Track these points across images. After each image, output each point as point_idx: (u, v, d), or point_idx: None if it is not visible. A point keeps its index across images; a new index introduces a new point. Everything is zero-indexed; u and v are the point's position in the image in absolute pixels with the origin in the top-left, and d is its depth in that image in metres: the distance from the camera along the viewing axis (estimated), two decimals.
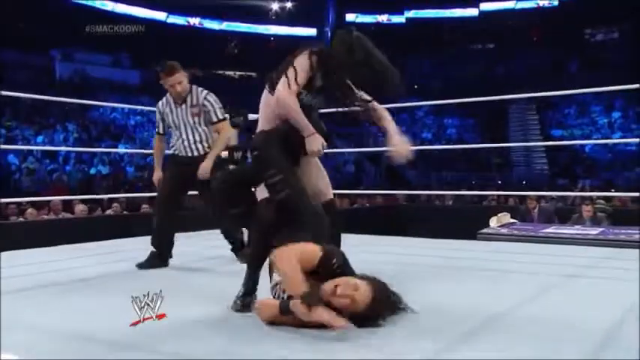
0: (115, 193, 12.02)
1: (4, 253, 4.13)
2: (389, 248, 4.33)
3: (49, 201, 8.64)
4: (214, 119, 3.88)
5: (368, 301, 2.09)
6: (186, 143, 3.86)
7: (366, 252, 3.82)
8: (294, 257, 2.14)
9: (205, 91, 3.90)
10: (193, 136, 3.86)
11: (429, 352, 1.92)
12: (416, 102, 11.91)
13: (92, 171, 17.03)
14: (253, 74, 28.72)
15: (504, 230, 5.85)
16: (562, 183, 18.96)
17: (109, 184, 15.74)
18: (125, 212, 8.96)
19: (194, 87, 3.88)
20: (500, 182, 20.40)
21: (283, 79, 2.64)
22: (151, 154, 4.36)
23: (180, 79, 3.78)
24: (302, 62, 2.66)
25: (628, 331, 2.18)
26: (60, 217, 8.01)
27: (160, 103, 3.95)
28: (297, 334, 2.07)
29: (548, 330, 2.18)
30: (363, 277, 2.17)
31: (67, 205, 8.77)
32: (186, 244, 4.50)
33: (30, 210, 8.27)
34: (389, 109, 2.89)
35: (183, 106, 3.84)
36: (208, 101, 3.86)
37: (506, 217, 6.52)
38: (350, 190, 11.86)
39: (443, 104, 12.46)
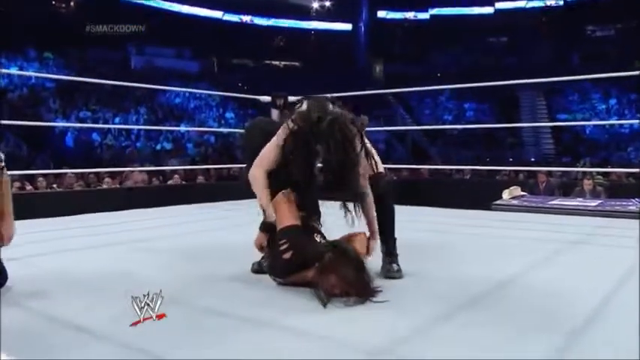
0: (176, 166, 12.14)
1: (91, 215, 4.22)
2: (412, 217, 4.23)
3: (123, 171, 8.77)
4: None
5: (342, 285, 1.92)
6: None
7: None
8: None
9: None
10: None
11: (425, 318, 1.77)
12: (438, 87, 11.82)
13: (158, 147, 17.23)
14: (296, 64, 28.55)
15: (515, 202, 5.72)
16: (566, 160, 18.58)
17: (172, 157, 15.92)
18: (184, 182, 9.02)
19: None
20: (511, 159, 20.07)
21: (261, 152, 2.25)
22: (208, 132, 4.14)
23: None
24: (279, 133, 2.21)
25: (623, 296, 2.06)
26: (132, 185, 8.11)
27: None
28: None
29: (546, 298, 2.03)
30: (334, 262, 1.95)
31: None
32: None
33: (107, 179, 8.39)
34: (413, 92, 2.59)
35: None
36: None
37: (517, 190, 6.36)
38: None
39: (462, 89, 12.28)
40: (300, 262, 2.03)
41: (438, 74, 24.88)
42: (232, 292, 2.09)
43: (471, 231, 3.76)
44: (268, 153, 2.22)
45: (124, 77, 12.08)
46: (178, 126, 17.97)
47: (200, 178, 9.68)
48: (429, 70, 25.91)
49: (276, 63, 28.85)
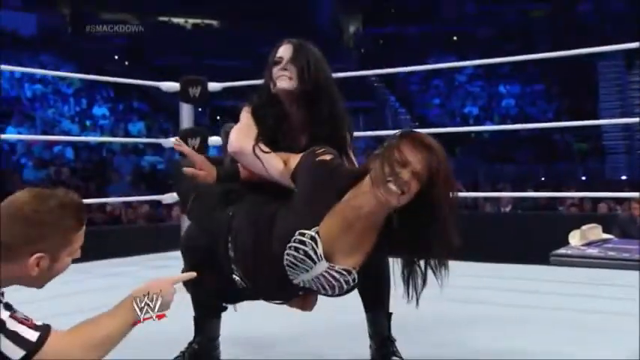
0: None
1: None
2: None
3: None
4: None
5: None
6: None
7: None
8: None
9: None
10: None
11: None
12: (455, 62, 11.72)
13: None
14: (213, 22, 28.69)
15: (592, 251, 5.77)
16: None
17: None
18: None
19: None
20: (585, 178, 20.23)
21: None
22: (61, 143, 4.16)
23: None
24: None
25: None
26: None
27: None
28: None
29: None
30: None
31: None
32: None
33: None
34: (412, 72, 2.78)
35: None
36: None
37: (594, 232, 6.45)
38: None
39: (495, 64, 12.30)
40: (340, 171, 2.30)
41: (454, 37, 25.27)
42: None
43: (516, 300, 3.84)
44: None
45: None
46: (3, 131, 17.65)
47: None
48: (437, 31, 26.19)
49: (178, 20, 28.89)
